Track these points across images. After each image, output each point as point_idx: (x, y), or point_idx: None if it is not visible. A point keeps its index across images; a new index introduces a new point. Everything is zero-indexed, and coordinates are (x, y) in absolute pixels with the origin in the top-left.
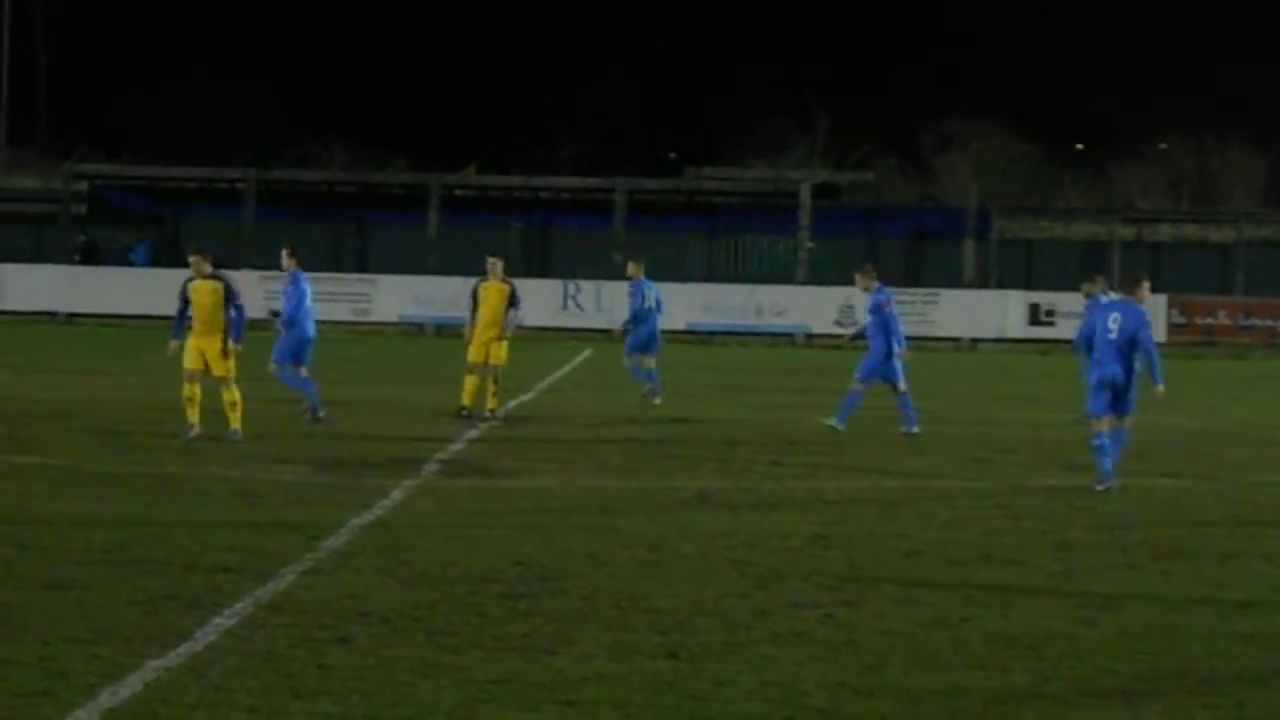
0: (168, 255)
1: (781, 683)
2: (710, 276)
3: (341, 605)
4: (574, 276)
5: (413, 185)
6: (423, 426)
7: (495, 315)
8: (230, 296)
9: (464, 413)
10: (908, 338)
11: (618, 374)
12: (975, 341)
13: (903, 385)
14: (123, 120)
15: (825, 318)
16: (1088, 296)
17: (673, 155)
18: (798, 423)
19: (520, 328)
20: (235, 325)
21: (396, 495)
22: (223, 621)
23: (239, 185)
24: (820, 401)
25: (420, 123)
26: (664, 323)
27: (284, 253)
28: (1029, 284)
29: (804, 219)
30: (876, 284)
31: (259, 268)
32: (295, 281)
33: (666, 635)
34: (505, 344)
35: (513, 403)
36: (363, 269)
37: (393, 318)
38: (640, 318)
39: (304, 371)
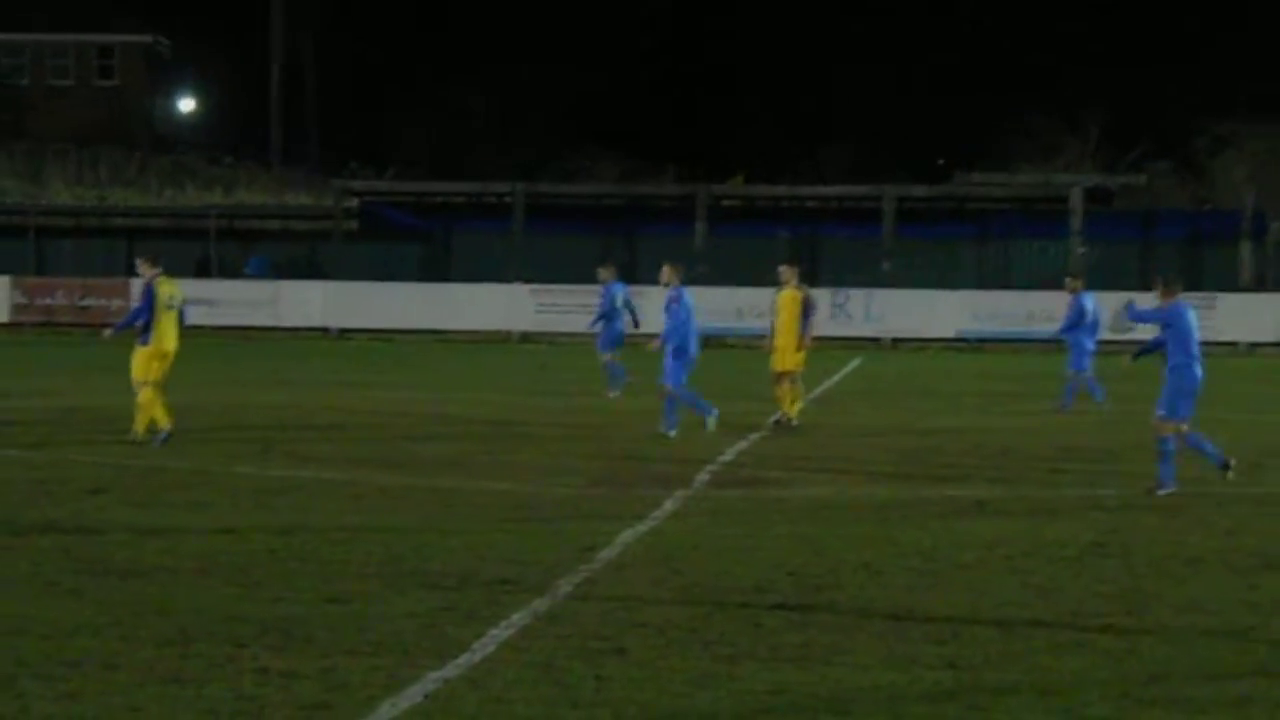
0: (437, 269)
1: (1062, 692)
2: (981, 283)
3: (617, 616)
4: (842, 285)
5: (680, 196)
6: (693, 437)
7: (792, 323)
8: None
9: (788, 421)
10: None
11: (889, 382)
12: (1254, 346)
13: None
14: (392, 137)
15: (1100, 323)
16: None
17: (941, 161)
18: (1073, 430)
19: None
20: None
21: (669, 506)
22: (500, 633)
23: (507, 199)
24: (1096, 408)
25: (688, 134)
26: (931, 329)
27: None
28: None
29: (1076, 223)
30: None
31: (528, 280)
32: (679, 299)
33: (943, 645)
34: (801, 352)
35: (779, 414)
36: (631, 281)
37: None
38: (609, 317)
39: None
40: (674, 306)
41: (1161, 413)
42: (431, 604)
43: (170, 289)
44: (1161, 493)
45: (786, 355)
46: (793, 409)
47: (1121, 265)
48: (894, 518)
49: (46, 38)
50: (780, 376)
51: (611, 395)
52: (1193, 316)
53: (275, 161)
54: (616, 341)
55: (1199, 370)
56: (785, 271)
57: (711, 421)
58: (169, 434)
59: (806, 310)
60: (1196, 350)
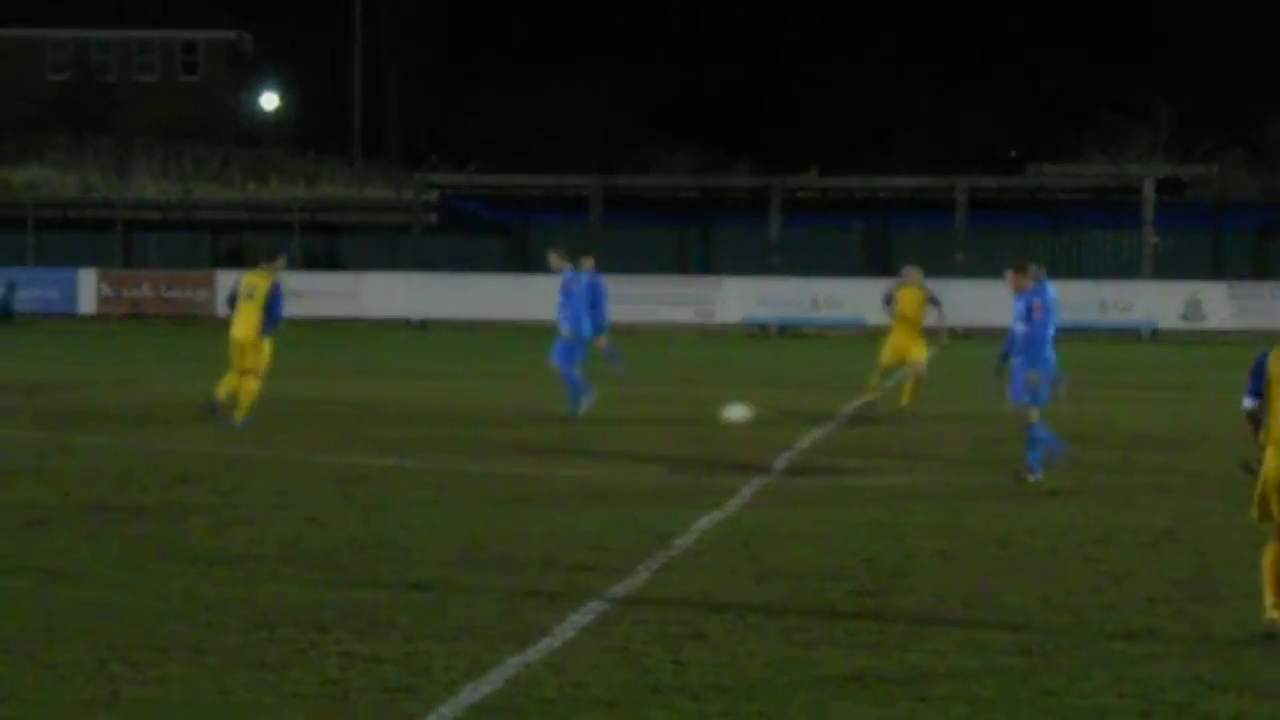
0: (516, 261)
1: (1136, 678)
2: (1053, 273)
3: (695, 602)
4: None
5: (755, 189)
6: (769, 426)
7: (915, 317)
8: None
9: (911, 409)
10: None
11: (963, 371)
12: None
13: None
14: (471, 130)
15: (1172, 313)
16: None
17: (1013, 152)
18: (1144, 417)
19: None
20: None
21: (745, 494)
22: (580, 618)
23: (585, 192)
24: (1167, 397)
25: (762, 126)
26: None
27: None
28: None
29: (1148, 214)
30: None
31: (606, 272)
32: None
33: (1018, 631)
34: (924, 344)
35: (857, 402)
36: (706, 271)
37: (736, 319)
38: (594, 305)
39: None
40: (572, 289)
41: (1025, 398)
42: (512, 589)
43: (249, 279)
44: (1031, 479)
45: (907, 348)
46: (907, 397)
47: (1193, 256)
48: (968, 505)
49: (133, 34)
50: (886, 370)
51: (618, 374)
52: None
53: (357, 155)
54: (600, 327)
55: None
56: (910, 270)
57: (585, 403)
58: (216, 406)
59: (933, 301)
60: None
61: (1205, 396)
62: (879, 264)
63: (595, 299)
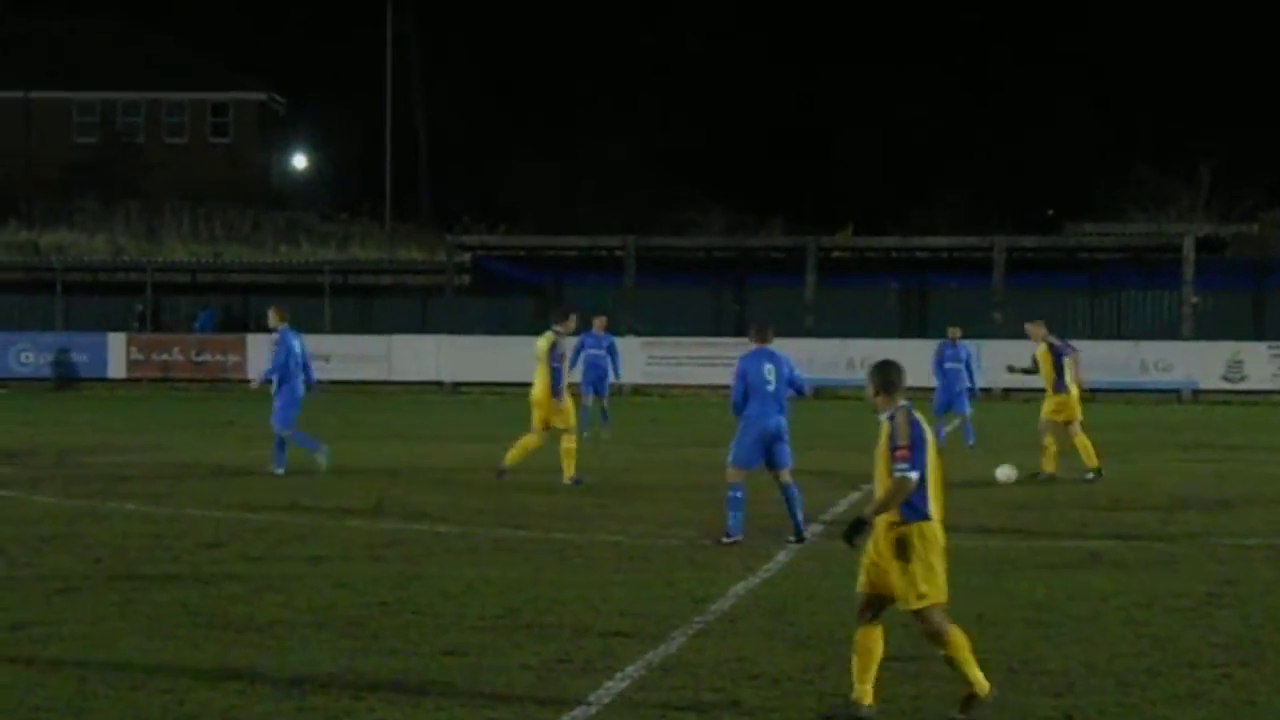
0: (549, 323)
1: None
2: (1093, 333)
3: (731, 667)
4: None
5: (790, 248)
6: (804, 489)
7: (1048, 376)
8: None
9: (1097, 472)
10: None
11: (1001, 433)
12: None
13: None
14: (503, 192)
15: (1213, 373)
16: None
17: (1051, 211)
18: (1186, 480)
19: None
20: None
21: (781, 558)
22: (615, 684)
23: (618, 252)
24: (1209, 458)
25: (796, 185)
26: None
27: (271, 312)
28: None
29: (1188, 273)
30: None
31: (640, 334)
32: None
33: (1059, 696)
34: (1064, 404)
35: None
36: (741, 333)
37: None
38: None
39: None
40: (276, 348)
41: (731, 460)
42: (547, 656)
43: (539, 343)
44: (727, 541)
45: (1066, 406)
46: (1049, 464)
47: (1234, 315)
48: (1007, 569)
49: (162, 96)
50: (1066, 426)
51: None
52: (766, 366)
53: (388, 217)
54: (601, 389)
55: (776, 419)
56: (1032, 329)
57: (321, 459)
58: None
59: (1057, 358)
60: (770, 399)
61: (1247, 457)
62: (915, 325)
63: (609, 359)
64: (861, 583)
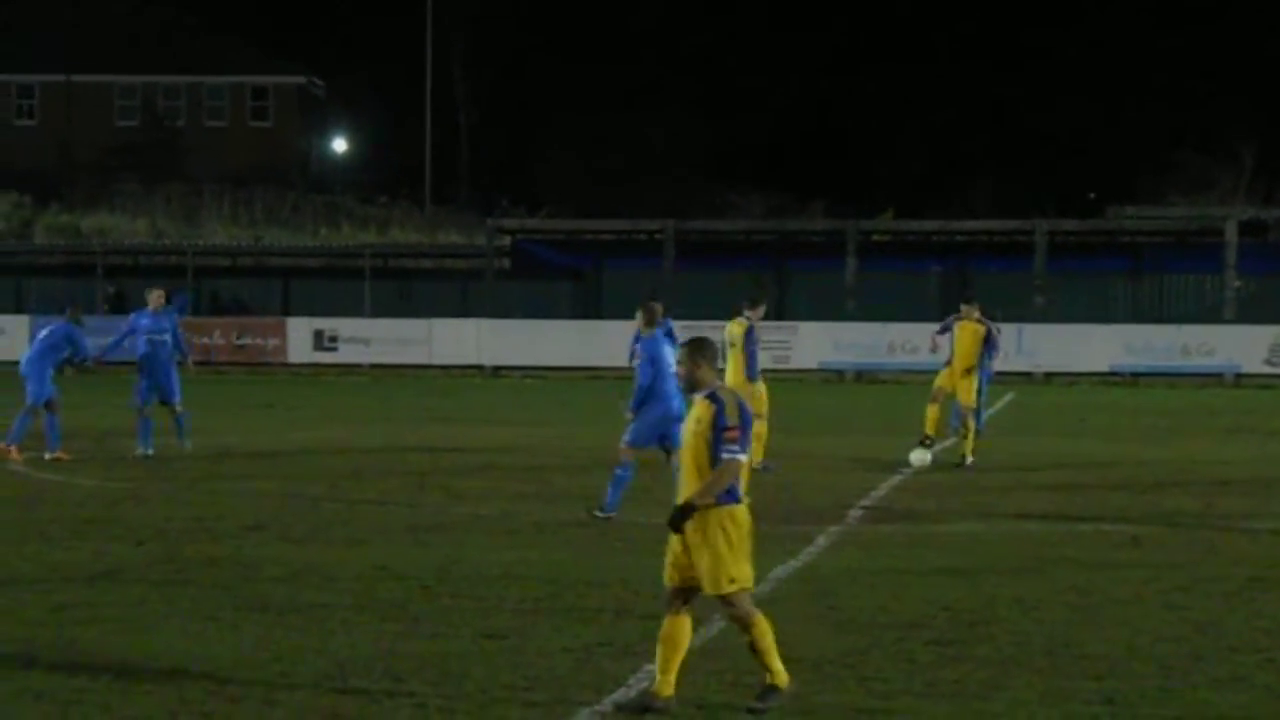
0: (589, 307)
1: None
2: (1134, 317)
3: None
4: (994, 319)
5: (830, 232)
6: (845, 473)
7: (968, 353)
8: None
9: (926, 441)
10: None
11: (1043, 416)
12: None
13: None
14: (544, 175)
15: (1255, 357)
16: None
17: (1092, 195)
18: (1227, 463)
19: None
20: None
21: (821, 542)
22: (655, 668)
23: (658, 236)
24: (1251, 442)
25: (836, 169)
26: (1084, 363)
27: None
28: None
29: (1230, 257)
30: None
31: (680, 317)
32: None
33: (1101, 681)
34: (972, 383)
35: (938, 446)
36: (781, 316)
37: (812, 364)
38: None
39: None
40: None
41: (627, 439)
42: (587, 639)
43: (731, 329)
44: (600, 516)
45: (957, 382)
46: (965, 446)
47: (1277, 299)
48: (1049, 553)
49: (202, 80)
50: (937, 394)
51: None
52: (666, 348)
53: (428, 200)
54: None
55: (679, 400)
56: (967, 308)
57: (140, 452)
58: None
59: (988, 343)
60: (673, 380)
61: None
62: (956, 308)
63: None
64: (669, 576)
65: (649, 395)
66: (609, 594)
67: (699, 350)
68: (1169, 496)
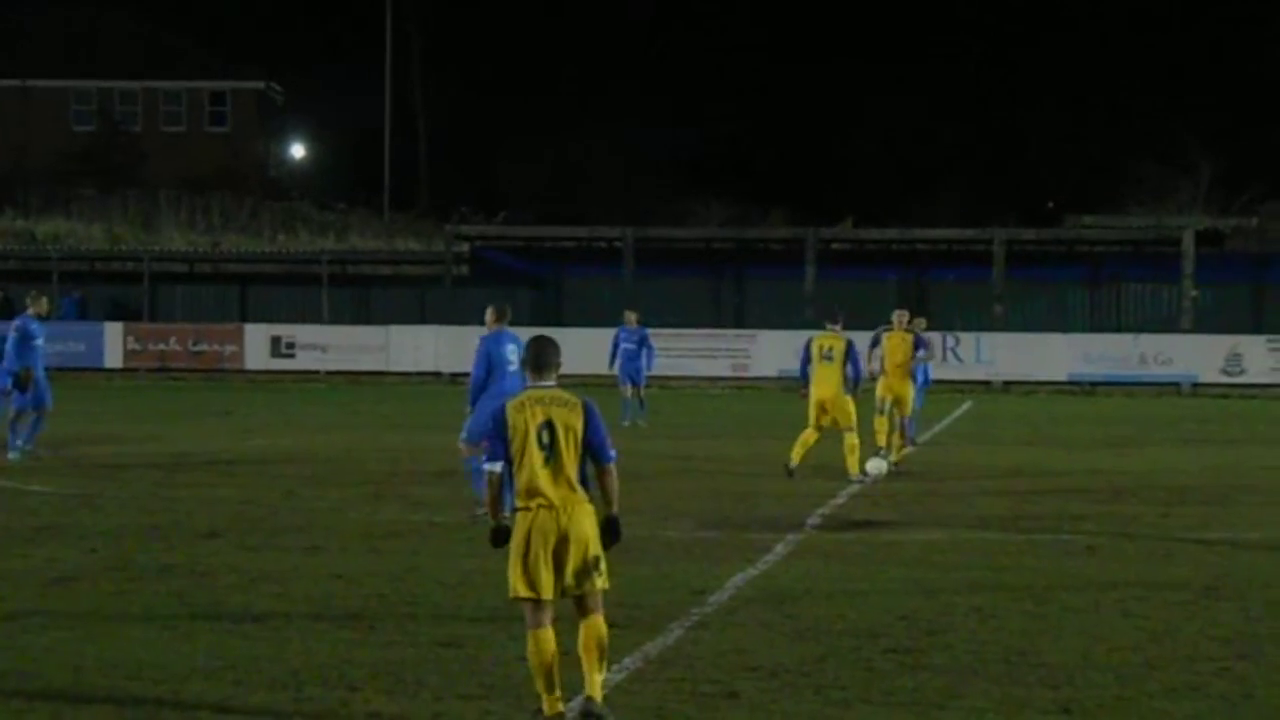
0: (548, 314)
1: None
2: (1093, 326)
3: (729, 660)
4: (952, 328)
5: (789, 240)
6: (804, 481)
7: (901, 361)
8: None
9: (881, 451)
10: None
11: (999, 426)
12: None
13: None
14: (502, 182)
15: (1212, 366)
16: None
17: (1051, 204)
18: (1183, 473)
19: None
20: None
21: (780, 550)
22: (612, 677)
23: (617, 243)
24: (1208, 451)
25: (795, 177)
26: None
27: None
28: None
29: (1187, 267)
30: None
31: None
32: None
33: (1058, 689)
34: (909, 390)
35: (893, 456)
36: (740, 324)
37: (771, 372)
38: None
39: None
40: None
41: (464, 436)
42: None
43: (822, 341)
44: (481, 512)
45: (894, 390)
46: (896, 454)
47: (1233, 309)
48: (1006, 561)
49: (159, 85)
50: (881, 404)
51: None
52: (509, 346)
53: (387, 207)
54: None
55: None
56: (899, 314)
57: (14, 458)
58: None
59: (917, 344)
60: (513, 378)
61: (1246, 451)
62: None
63: (642, 351)
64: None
65: (485, 390)
66: (566, 603)
67: (553, 351)
68: (1126, 505)
